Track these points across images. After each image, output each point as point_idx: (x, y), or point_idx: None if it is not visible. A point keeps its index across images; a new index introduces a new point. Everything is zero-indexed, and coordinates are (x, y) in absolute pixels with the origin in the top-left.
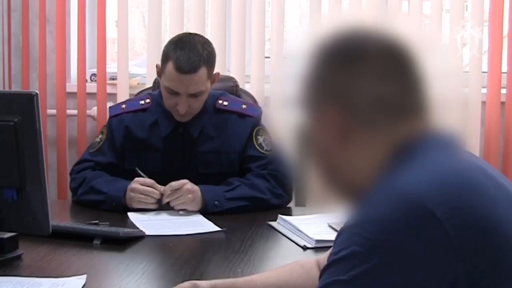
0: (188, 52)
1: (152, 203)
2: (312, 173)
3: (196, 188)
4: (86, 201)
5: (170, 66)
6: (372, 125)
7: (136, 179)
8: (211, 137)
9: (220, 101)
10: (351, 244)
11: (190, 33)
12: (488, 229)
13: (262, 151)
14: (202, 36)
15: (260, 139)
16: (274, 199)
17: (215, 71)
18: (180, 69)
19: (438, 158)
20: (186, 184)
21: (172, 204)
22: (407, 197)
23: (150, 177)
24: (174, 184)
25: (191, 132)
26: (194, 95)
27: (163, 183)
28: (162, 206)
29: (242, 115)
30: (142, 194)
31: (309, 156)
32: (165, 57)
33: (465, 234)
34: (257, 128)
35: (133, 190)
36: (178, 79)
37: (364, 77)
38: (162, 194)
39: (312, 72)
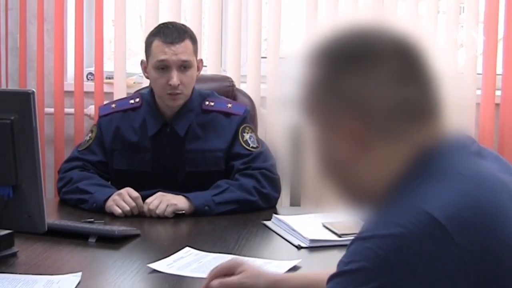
0: (171, 28)
1: (125, 213)
2: (324, 181)
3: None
4: (69, 200)
5: (156, 42)
6: (391, 131)
7: (126, 188)
8: (198, 136)
9: (207, 102)
10: (361, 258)
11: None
12: (508, 259)
13: (248, 148)
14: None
15: (246, 136)
16: (261, 200)
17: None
18: (167, 41)
19: (460, 170)
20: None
21: (157, 210)
22: (426, 217)
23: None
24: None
25: (177, 131)
26: (184, 67)
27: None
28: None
29: (227, 114)
30: (124, 202)
31: (321, 166)
32: (149, 41)
33: (482, 262)
34: (243, 126)
35: (119, 194)
36: (167, 50)
37: (379, 81)
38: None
39: (318, 77)
